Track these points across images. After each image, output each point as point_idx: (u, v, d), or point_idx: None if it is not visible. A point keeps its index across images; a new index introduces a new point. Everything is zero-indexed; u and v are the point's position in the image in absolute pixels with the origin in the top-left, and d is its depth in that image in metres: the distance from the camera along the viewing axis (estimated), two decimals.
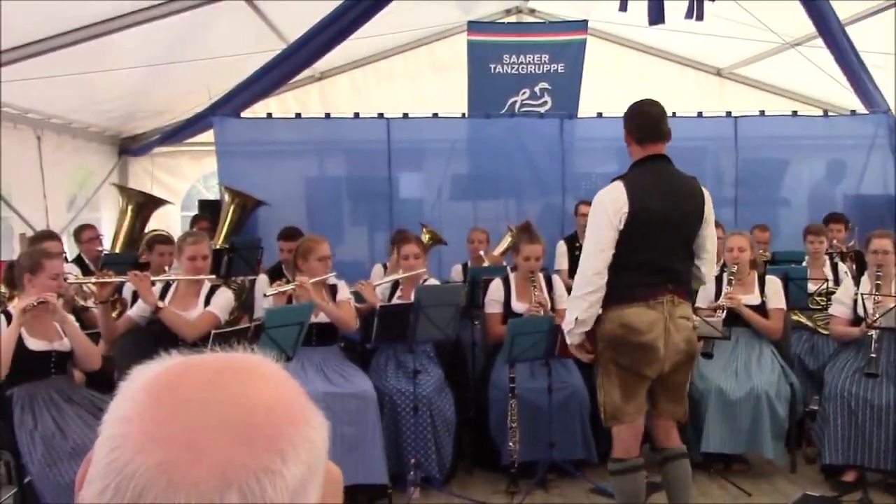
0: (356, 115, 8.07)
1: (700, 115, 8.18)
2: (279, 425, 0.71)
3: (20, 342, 4.10)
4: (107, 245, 7.38)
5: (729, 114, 8.26)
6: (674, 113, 7.62)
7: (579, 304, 3.86)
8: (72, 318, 4.41)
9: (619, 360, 3.85)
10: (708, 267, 4.06)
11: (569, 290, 6.06)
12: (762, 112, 8.29)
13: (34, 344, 4.18)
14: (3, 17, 5.92)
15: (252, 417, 0.70)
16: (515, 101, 8.68)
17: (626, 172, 3.95)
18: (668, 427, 4.07)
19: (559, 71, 8.69)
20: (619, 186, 3.82)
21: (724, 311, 5.32)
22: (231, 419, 0.70)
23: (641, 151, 3.92)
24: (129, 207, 7.48)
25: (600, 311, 3.84)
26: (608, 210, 3.79)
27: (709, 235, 4.00)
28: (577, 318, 3.87)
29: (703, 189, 4.02)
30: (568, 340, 4.01)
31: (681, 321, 3.87)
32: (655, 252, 3.83)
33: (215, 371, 0.74)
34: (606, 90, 8.97)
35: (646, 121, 3.94)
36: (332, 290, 5.34)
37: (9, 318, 4.14)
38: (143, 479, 0.66)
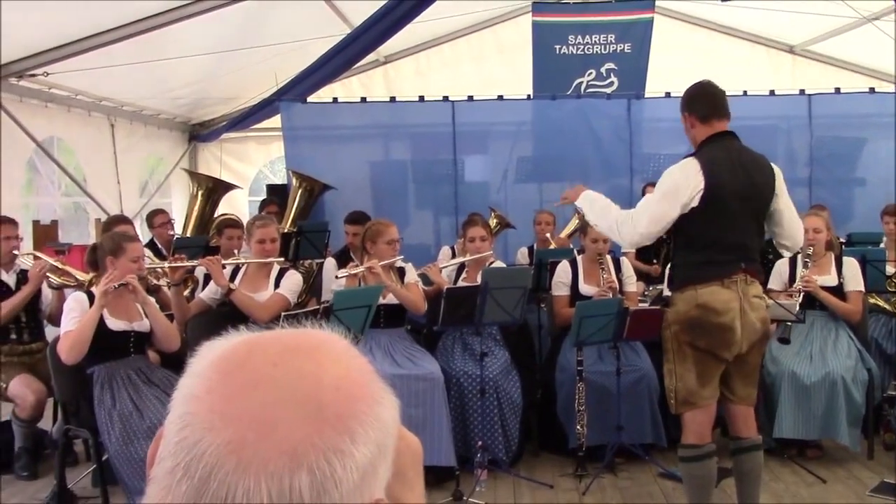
0: (421, 98, 8.08)
1: (772, 93, 7.98)
2: (348, 404, 0.71)
3: (101, 322, 4.21)
4: (178, 229, 7.53)
5: (802, 91, 8.03)
6: (745, 91, 7.52)
7: (603, 223, 4.01)
8: (152, 299, 4.51)
9: (696, 342, 3.76)
10: (790, 239, 3.97)
11: (637, 271, 6.03)
12: (837, 89, 8.04)
13: (115, 324, 4.30)
14: (77, 8, 6.07)
15: (321, 396, 0.70)
16: (581, 82, 8.59)
17: (696, 150, 3.87)
18: (746, 414, 3.96)
19: (626, 51, 8.56)
20: (693, 163, 3.73)
21: (801, 295, 5.16)
22: (300, 397, 0.69)
23: (707, 129, 3.83)
24: (200, 192, 7.61)
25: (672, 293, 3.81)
26: (680, 187, 3.70)
27: (783, 209, 3.88)
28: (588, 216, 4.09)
29: (773, 165, 3.93)
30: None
31: (755, 300, 3.78)
32: (728, 229, 3.74)
33: (284, 348, 0.74)
34: (674, 69, 8.79)
35: (708, 98, 3.86)
36: (400, 272, 5.36)
37: (91, 298, 4.25)
38: (212, 458, 0.66)
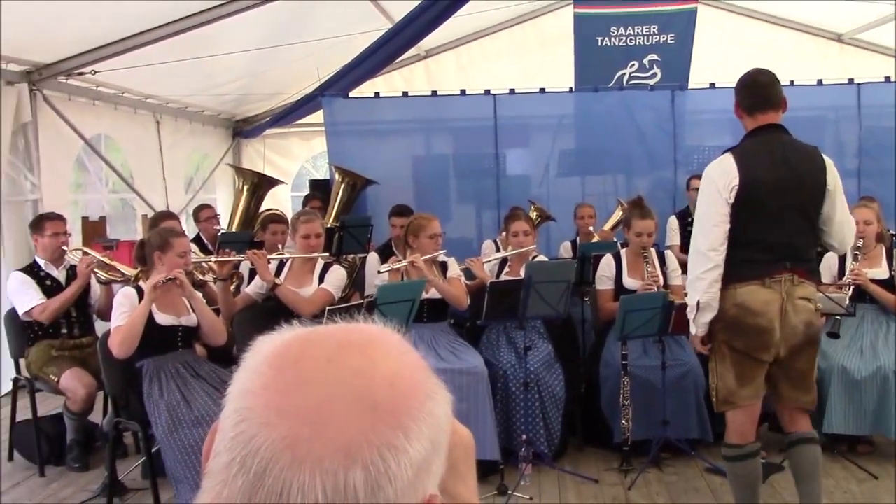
0: (462, 92, 8.07)
1: (820, 83, 7.85)
2: (402, 400, 0.71)
3: (150, 317, 4.27)
4: (223, 224, 7.61)
5: (851, 81, 7.89)
6: (792, 81, 7.37)
7: (698, 284, 3.65)
8: (199, 294, 4.57)
9: (734, 342, 3.66)
10: (837, 239, 3.78)
11: (681, 264, 5.97)
12: (887, 78, 7.89)
13: (163, 318, 4.36)
14: (124, 7, 6.16)
15: (375, 392, 0.70)
16: (624, 74, 8.53)
17: (736, 144, 3.78)
18: (792, 411, 3.82)
19: (669, 42, 8.48)
20: (727, 158, 3.64)
21: (851, 288, 5.06)
22: (354, 394, 0.69)
23: (753, 122, 3.72)
24: (245, 188, 7.69)
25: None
26: (717, 183, 3.62)
27: (834, 207, 3.71)
28: (698, 302, 3.65)
29: (826, 158, 3.76)
30: (692, 330, 3.76)
31: (801, 302, 3.62)
32: (769, 227, 3.61)
33: (338, 344, 0.74)
34: (718, 60, 8.70)
35: (755, 89, 3.73)
36: (443, 267, 5.37)
37: (141, 294, 4.32)
38: (268, 453, 0.66)
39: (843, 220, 3.77)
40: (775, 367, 3.70)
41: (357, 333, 0.77)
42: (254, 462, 0.67)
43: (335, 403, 0.69)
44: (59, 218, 5.50)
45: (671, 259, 5.67)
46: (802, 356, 3.71)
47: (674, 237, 7.05)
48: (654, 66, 8.52)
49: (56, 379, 5.09)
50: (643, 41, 8.53)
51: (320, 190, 8.17)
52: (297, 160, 11.20)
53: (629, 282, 5.47)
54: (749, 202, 3.59)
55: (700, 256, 3.67)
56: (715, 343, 3.75)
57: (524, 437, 4.95)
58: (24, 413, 5.38)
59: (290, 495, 0.65)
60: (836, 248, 3.93)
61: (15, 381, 5.45)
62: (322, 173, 10.47)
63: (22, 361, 5.39)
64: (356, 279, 6.45)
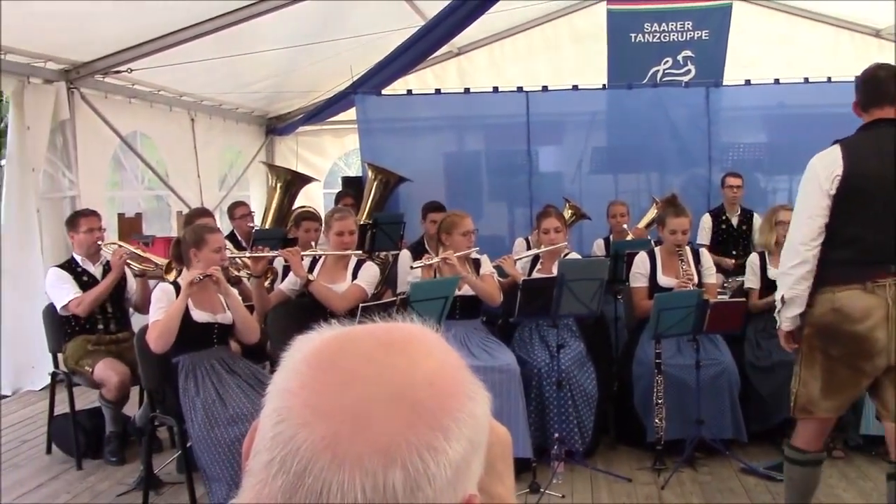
0: (495, 89, 8.05)
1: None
2: (442, 400, 0.71)
3: (186, 313, 4.31)
4: (256, 221, 7.66)
5: None
6: (829, 78, 7.30)
7: (785, 279, 3.48)
8: (235, 291, 4.61)
9: (829, 350, 3.43)
10: None
11: (716, 265, 5.92)
12: None
13: (199, 315, 4.39)
14: (159, 7, 6.22)
15: (414, 392, 0.70)
16: (657, 71, 8.47)
17: (847, 137, 3.56)
18: None
19: (703, 38, 8.41)
20: (835, 149, 3.44)
21: None
22: (393, 394, 0.70)
23: (867, 117, 3.52)
24: (278, 185, 7.73)
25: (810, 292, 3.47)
26: (819, 174, 3.41)
27: None
28: (783, 297, 3.49)
29: None
30: (779, 325, 3.59)
31: None
32: (872, 224, 3.36)
33: (377, 343, 0.74)
34: (754, 56, 8.62)
35: (870, 85, 3.53)
36: (475, 264, 5.36)
37: (178, 290, 4.36)
38: (308, 453, 0.67)
39: None
40: (885, 377, 3.43)
41: (398, 332, 0.77)
42: (294, 461, 0.67)
43: (375, 403, 0.69)
44: (93, 214, 5.57)
45: (706, 257, 5.62)
46: None
47: (704, 236, 7.00)
48: (689, 62, 8.45)
49: (91, 370, 5.16)
50: (677, 37, 8.47)
51: (352, 187, 8.20)
52: (329, 157, 11.25)
53: (663, 280, 5.43)
54: (852, 195, 3.37)
55: (791, 250, 3.50)
56: (805, 347, 3.54)
57: (556, 435, 4.94)
58: (61, 407, 5.47)
59: (330, 495, 0.66)
60: None
61: (53, 375, 5.54)
62: (354, 170, 10.51)
63: (59, 356, 5.47)
64: (388, 276, 6.46)
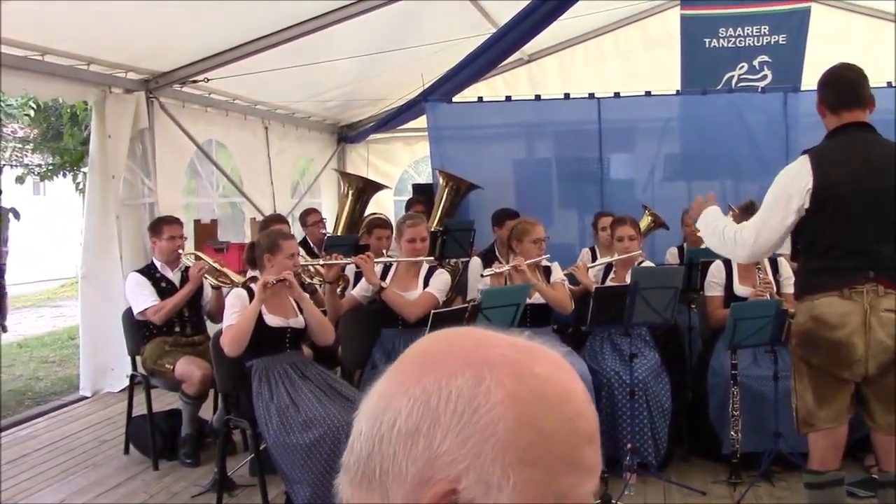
0: (566, 95, 7.98)
1: None
2: (433, 364, 0.81)
3: (260, 318, 4.37)
4: (328, 228, 7.74)
5: None
6: None
7: (712, 238, 3.74)
8: (307, 295, 4.65)
9: (810, 358, 3.43)
10: None
11: (794, 272, 5.76)
12: None
13: (272, 320, 4.45)
14: (234, 17, 6.35)
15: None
16: (732, 76, 8.30)
17: (815, 146, 3.54)
18: (888, 444, 3.48)
19: (780, 42, 8.21)
20: (802, 161, 3.42)
21: None
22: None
23: (836, 120, 3.47)
24: (350, 192, 7.80)
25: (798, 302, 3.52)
26: (790, 191, 3.40)
27: None
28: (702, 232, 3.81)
29: None
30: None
31: (886, 315, 3.31)
32: (848, 232, 3.35)
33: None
34: (833, 61, 8.35)
35: (840, 85, 3.49)
36: (546, 271, 5.33)
37: (251, 294, 4.43)
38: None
39: None
40: (865, 387, 3.42)
41: (524, 343, 0.85)
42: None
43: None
44: (176, 222, 5.70)
45: (784, 266, 5.47)
46: (893, 373, 3.38)
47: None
48: (765, 67, 8.26)
49: (171, 367, 5.27)
50: (753, 42, 8.28)
51: (423, 194, 8.22)
52: (400, 165, 11.32)
53: (740, 289, 5.31)
54: (826, 206, 3.36)
55: (741, 243, 3.58)
56: (794, 358, 3.56)
57: (629, 445, 4.86)
58: (139, 409, 5.60)
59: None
60: None
61: (131, 377, 5.67)
62: (424, 177, 10.55)
63: (138, 359, 5.60)
64: (458, 283, 6.46)
